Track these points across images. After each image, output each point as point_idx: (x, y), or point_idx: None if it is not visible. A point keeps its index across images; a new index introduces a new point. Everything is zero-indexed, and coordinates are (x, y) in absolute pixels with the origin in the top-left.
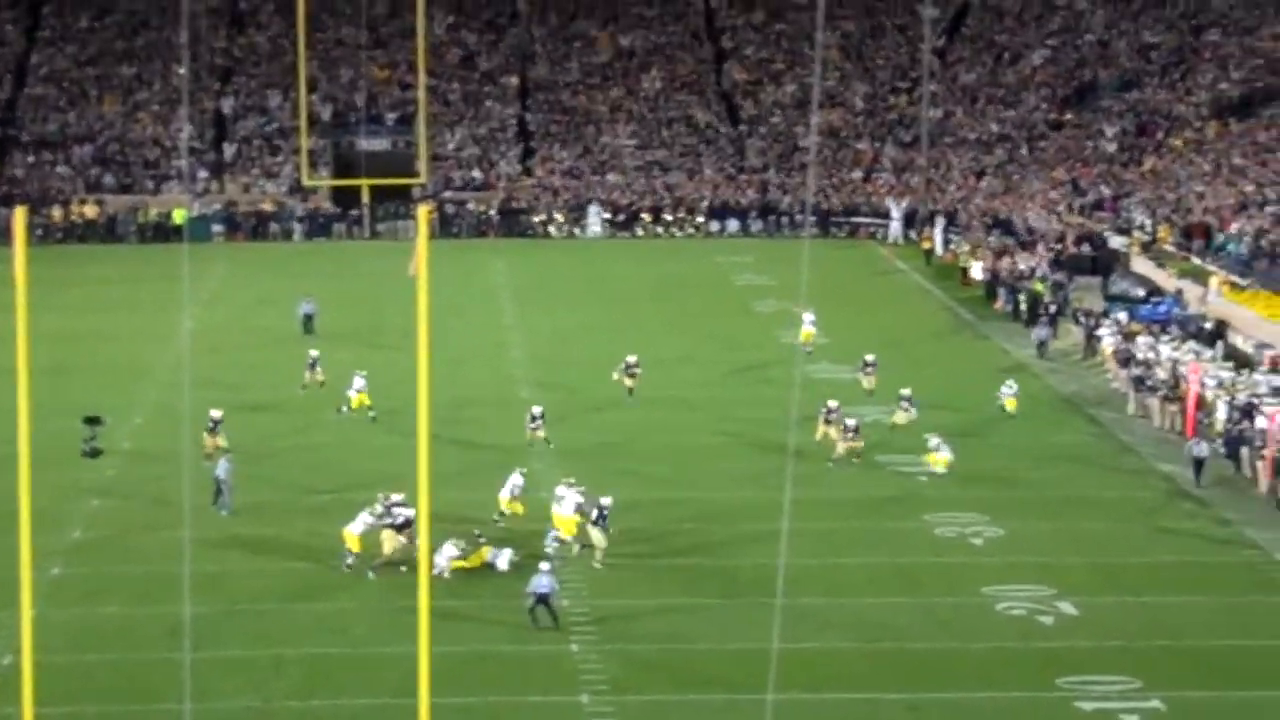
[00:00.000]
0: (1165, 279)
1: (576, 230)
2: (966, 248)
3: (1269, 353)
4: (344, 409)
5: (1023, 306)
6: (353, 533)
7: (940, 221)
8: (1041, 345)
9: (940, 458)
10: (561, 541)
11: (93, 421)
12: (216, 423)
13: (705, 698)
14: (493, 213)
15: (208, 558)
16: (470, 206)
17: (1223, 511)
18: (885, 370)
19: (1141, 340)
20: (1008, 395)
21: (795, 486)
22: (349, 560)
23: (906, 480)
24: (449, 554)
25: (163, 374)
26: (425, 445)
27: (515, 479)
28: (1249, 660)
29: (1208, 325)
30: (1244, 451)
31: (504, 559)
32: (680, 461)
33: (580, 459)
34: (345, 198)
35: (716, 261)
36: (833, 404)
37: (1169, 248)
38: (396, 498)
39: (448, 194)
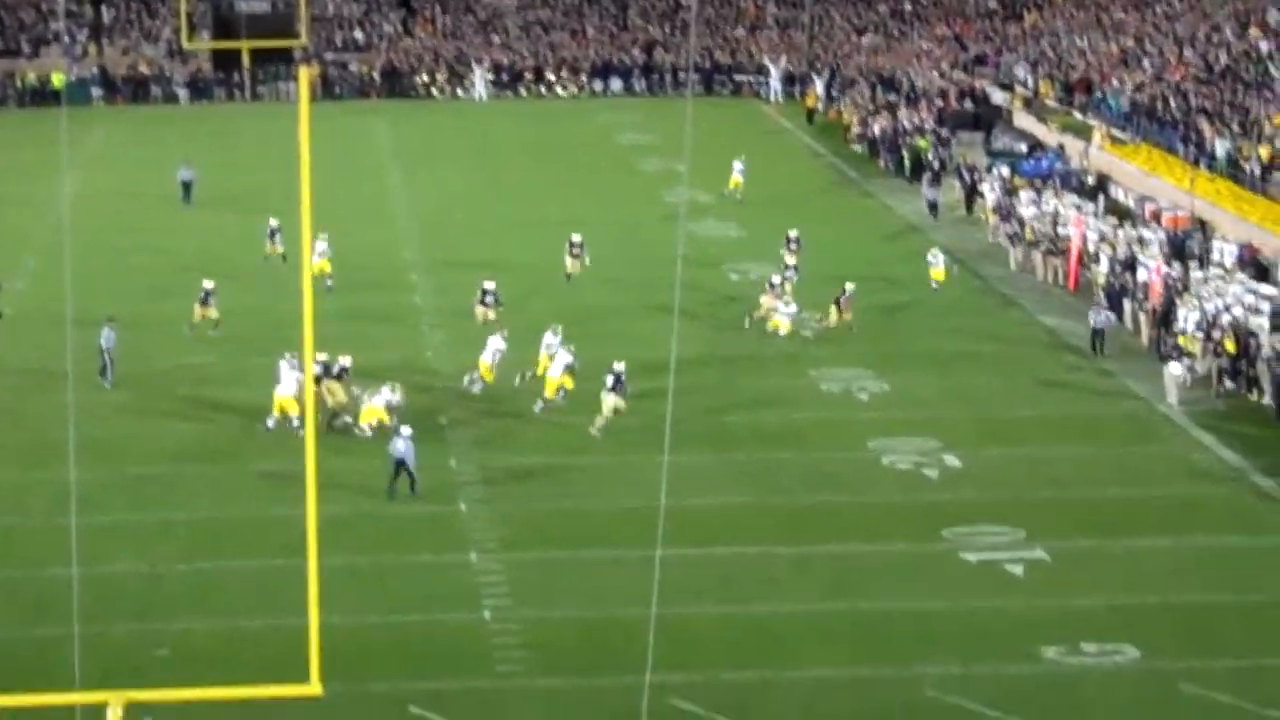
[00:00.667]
0: (1047, 134)
1: (460, 91)
2: (848, 105)
3: (1150, 206)
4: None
5: (906, 163)
6: (286, 394)
7: (821, 79)
8: (933, 207)
9: (780, 320)
10: (545, 401)
11: None
12: (208, 293)
13: (594, 554)
14: (375, 74)
15: (95, 424)
16: (352, 68)
17: (1105, 363)
18: (772, 227)
19: (1024, 195)
20: (934, 266)
21: (683, 344)
22: (270, 423)
23: (793, 337)
24: (386, 397)
25: (43, 239)
26: (310, 310)
27: (497, 343)
28: (1131, 510)
29: (1089, 179)
30: (1126, 304)
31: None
32: (571, 323)
33: (474, 320)
34: (225, 60)
35: (600, 121)
36: (775, 279)
37: (1051, 103)
38: (323, 356)
39: (329, 56)
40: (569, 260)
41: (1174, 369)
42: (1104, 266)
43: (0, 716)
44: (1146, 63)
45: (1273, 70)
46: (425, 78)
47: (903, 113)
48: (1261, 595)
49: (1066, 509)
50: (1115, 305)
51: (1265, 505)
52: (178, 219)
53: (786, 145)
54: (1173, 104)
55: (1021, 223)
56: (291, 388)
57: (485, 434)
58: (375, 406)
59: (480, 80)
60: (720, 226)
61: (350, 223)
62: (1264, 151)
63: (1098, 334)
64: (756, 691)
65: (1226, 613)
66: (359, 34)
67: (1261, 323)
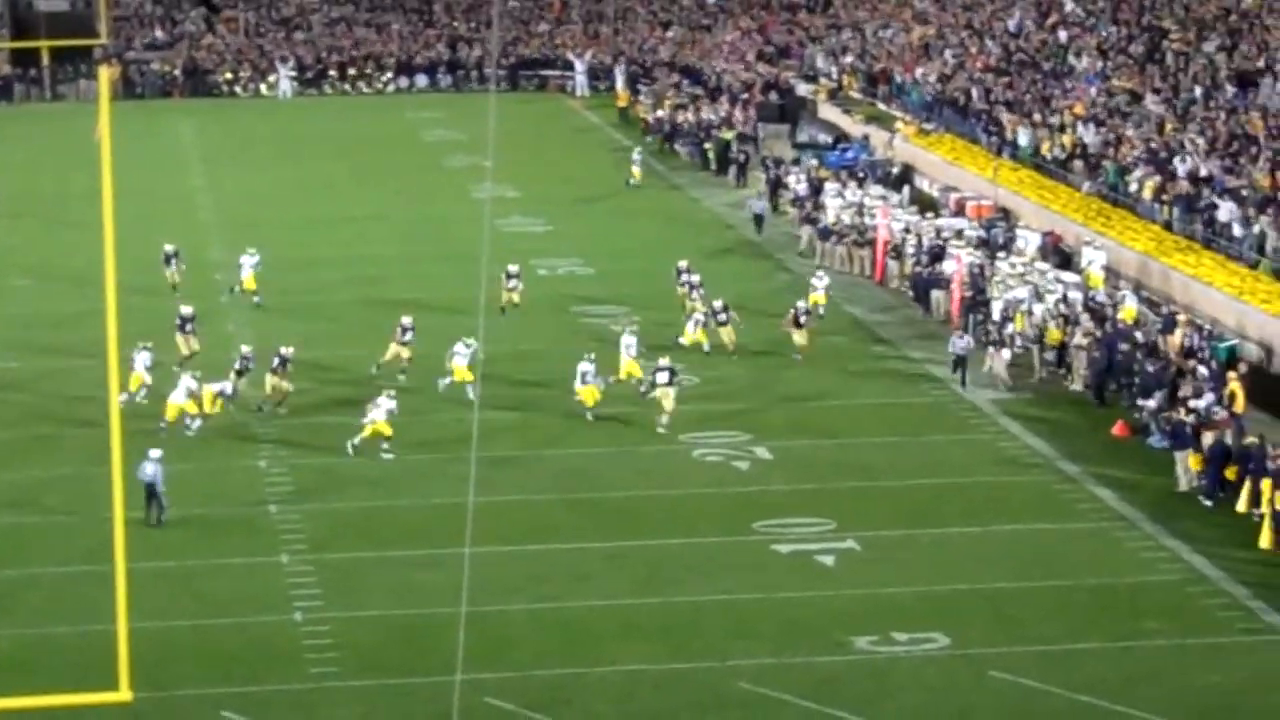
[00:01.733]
0: (852, 125)
1: (264, 89)
2: (645, 98)
3: (954, 195)
4: (235, 289)
5: (711, 156)
6: (174, 401)
7: (623, 72)
8: (759, 219)
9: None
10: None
11: None
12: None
13: (406, 553)
14: (177, 73)
15: None
16: (154, 66)
17: (911, 353)
18: (579, 223)
19: (830, 187)
20: (817, 291)
21: (492, 342)
22: (162, 425)
23: (604, 332)
24: (387, 407)
25: None
26: (113, 310)
27: (459, 347)
28: (940, 498)
29: (894, 170)
30: (934, 294)
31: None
32: (373, 319)
33: (284, 317)
34: (25, 59)
35: (406, 118)
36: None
37: (855, 94)
38: (247, 350)
39: (130, 54)
40: (504, 293)
41: (994, 355)
42: (910, 257)
43: None
44: (948, 53)
45: (1071, 60)
46: (228, 75)
47: (707, 105)
48: (1069, 580)
49: (876, 499)
50: (921, 296)
51: (1072, 491)
52: None
53: (594, 140)
54: (974, 95)
55: (825, 213)
56: (181, 395)
57: (294, 434)
58: (379, 420)
59: (284, 78)
60: (527, 222)
61: (155, 222)
62: (1066, 140)
63: (959, 361)
64: (570, 687)
65: (1034, 598)
66: (160, 32)
67: (1072, 310)
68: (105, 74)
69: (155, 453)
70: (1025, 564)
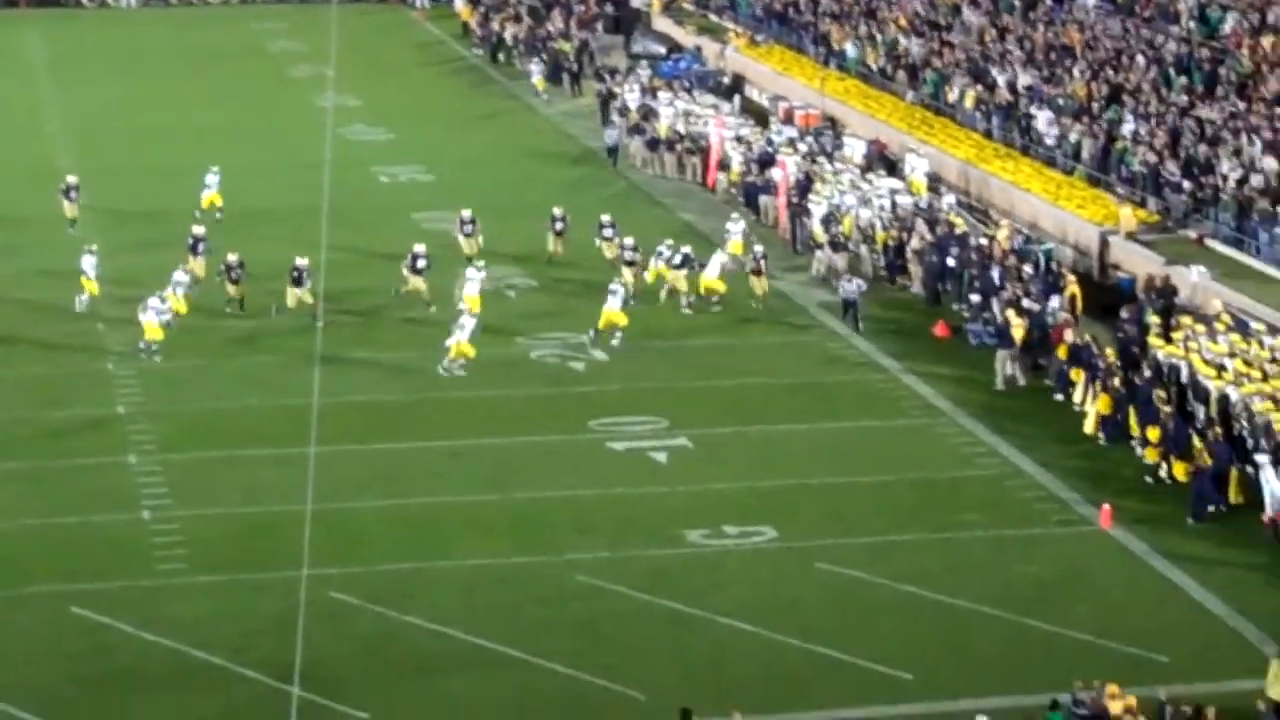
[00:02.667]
0: (685, 36)
1: (115, 2)
2: (465, 7)
3: (783, 105)
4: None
5: (541, 67)
6: (150, 322)
7: None
8: (612, 151)
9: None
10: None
11: None
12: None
13: (252, 452)
14: None
15: None
16: None
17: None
18: (420, 130)
19: (663, 96)
20: (734, 237)
21: (336, 250)
22: (144, 346)
23: (442, 238)
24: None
25: None
26: None
27: (470, 273)
28: (770, 397)
29: (725, 80)
30: (762, 200)
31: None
32: (219, 225)
33: (130, 224)
34: None
35: (251, 29)
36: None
37: (688, 5)
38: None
39: None
40: (462, 240)
41: (821, 257)
42: (737, 164)
43: None
44: None
45: None
46: None
47: (548, 16)
48: (891, 475)
49: (708, 398)
50: (751, 202)
51: (895, 389)
52: None
53: (435, 53)
54: (802, 7)
55: (654, 120)
56: (151, 315)
57: (140, 333)
58: (463, 341)
59: None
60: (370, 131)
61: (3, 132)
62: (888, 52)
63: (849, 304)
64: (414, 582)
65: (859, 493)
66: None
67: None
68: None
69: None
70: (850, 459)
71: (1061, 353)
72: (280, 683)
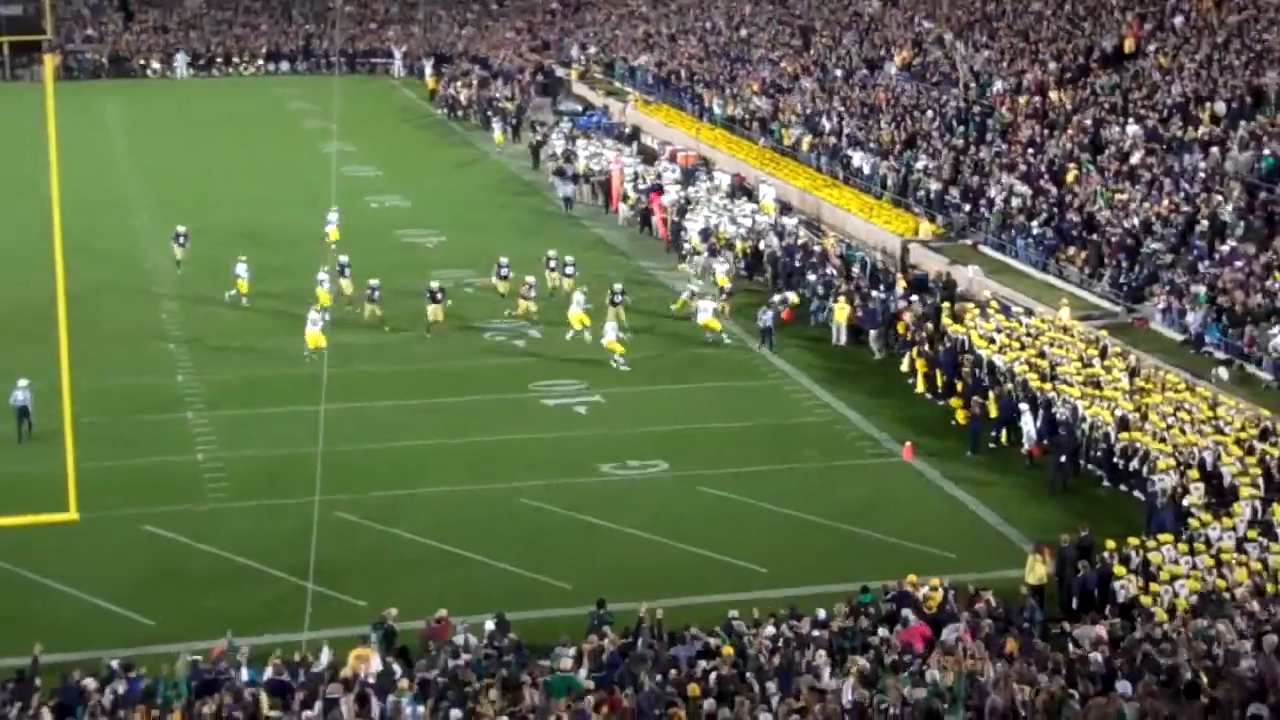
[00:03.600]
0: (596, 98)
1: (168, 73)
2: (432, 78)
3: (669, 148)
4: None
5: (492, 122)
6: (312, 331)
7: (430, 61)
8: (568, 201)
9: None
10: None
11: None
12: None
13: (275, 410)
14: (104, 60)
15: None
16: (88, 55)
17: (640, 261)
18: (402, 169)
19: (580, 143)
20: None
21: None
22: (307, 354)
23: (418, 249)
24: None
25: None
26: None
27: (578, 297)
28: (662, 364)
29: (627, 130)
30: (653, 219)
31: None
32: (252, 245)
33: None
34: None
35: (274, 94)
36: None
37: (598, 75)
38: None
39: (69, 46)
40: (497, 281)
41: (713, 262)
42: (632, 193)
43: None
44: (669, 49)
45: (751, 50)
46: (141, 62)
47: (494, 84)
48: (753, 421)
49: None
50: (645, 221)
51: (755, 359)
52: None
53: (411, 111)
54: (682, 75)
55: (572, 162)
56: (314, 325)
57: (194, 324)
58: (611, 339)
59: (181, 64)
60: (363, 169)
61: (87, 168)
62: (745, 109)
63: (766, 331)
64: (399, 505)
65: (730, 435)
66: (90, 30)
67: (760, 230)
68: (50, 61)
69: (24, 381)
70: (723, 411)
71: (901, 328)
72: (299, 580)
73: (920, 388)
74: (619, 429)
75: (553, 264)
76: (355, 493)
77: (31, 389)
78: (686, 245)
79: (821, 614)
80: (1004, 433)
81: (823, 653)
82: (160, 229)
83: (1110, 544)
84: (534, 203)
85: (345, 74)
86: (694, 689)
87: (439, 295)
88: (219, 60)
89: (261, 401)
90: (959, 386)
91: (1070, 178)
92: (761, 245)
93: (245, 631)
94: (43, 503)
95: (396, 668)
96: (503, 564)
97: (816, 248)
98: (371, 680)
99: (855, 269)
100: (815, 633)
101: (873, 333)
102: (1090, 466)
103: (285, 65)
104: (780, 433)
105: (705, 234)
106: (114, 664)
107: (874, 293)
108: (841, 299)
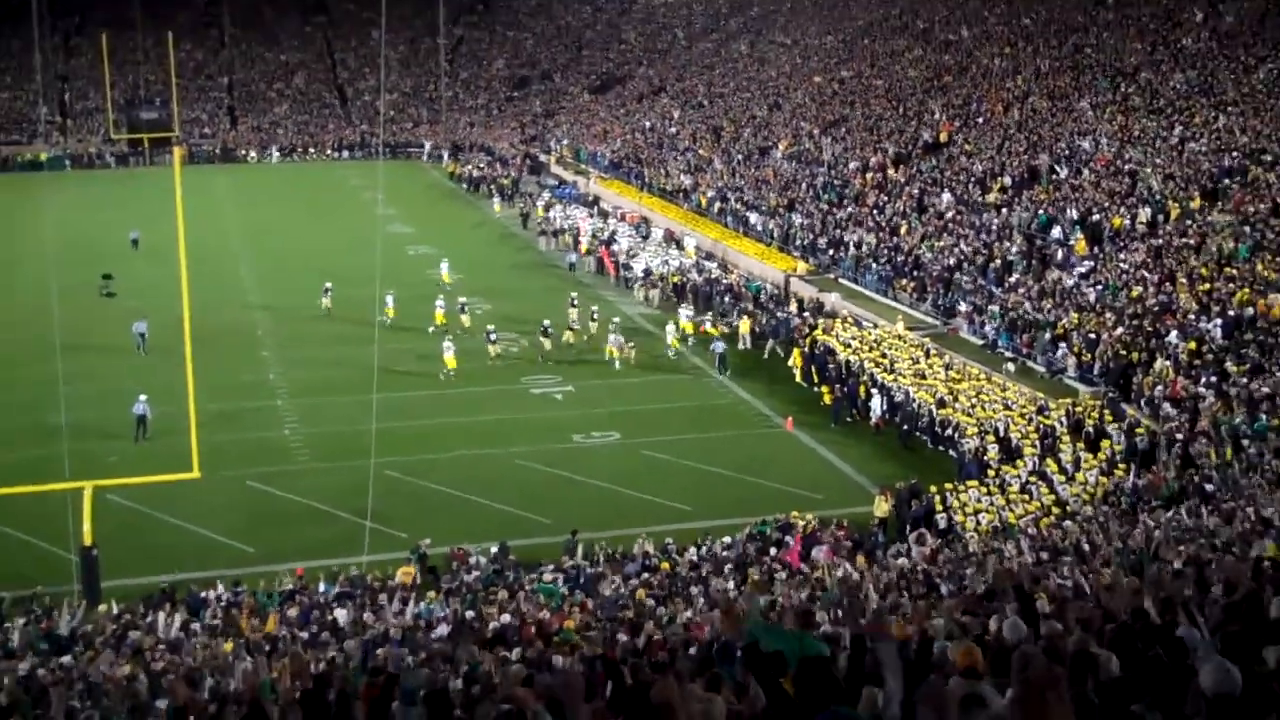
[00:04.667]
0: (568, 175)
1: (263, 159)
2: (451, 162)
3: (621, 209)
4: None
5: (494, 193)
6: (447, 355)
7: (448, 149)
8: (571, 267)
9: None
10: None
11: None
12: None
13: (342, 399)
14: (217, 150)
15: None
16: (205, 147)
17: (599, 292)
18: (433, 229)
19: (557, 208)
20: (672, 335)
21: (373, 288)
22: (443, 374)
23: (419, 259)
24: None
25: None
26: (185, 294)
27: (611, 328)
28: (619, 367)
29: (590, 198)
30: (606, 262)
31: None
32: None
33: (290, 289)
34: (135, 143)
35: (339, 174)
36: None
37: (569, 160)
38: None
39: (191, 140)
40: (543, 339)
41: (647, 288)
42: (586, 243)
43: None
44: (619, 140)
45: (678, 145)
46: (244, 151)
47: (496, 166)
48: (683, 403)
49: (582, 367)
50: (600, 265)
51: (684, 361)
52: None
53: (437, 186)
54: (631, 160)
55: (551, 223)
56: (450, 350)
57: (283, 338)
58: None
59: (274, 151)
60: (404, 229)
61: (203, 233)
62: (685, 182)
63: (721, 356)
64: (430, 465)
65: (665, 414)
66: (208, 130)
67: (684, 269)
68: (178, 151)
69: (143, 396)
70: (659, 396)
71: (801, 342)
72: (359, 519)
73: (799, 379)
74: (586, 409)
75: (575, 301)
76: (398, 456)
77: (150, 403)
78: (631, 279)
79: (728, 539)
80: (854, 411)
81: (729, 567)
82: (263, 279)
83: (933, 488)
84: (524, 252)
85: (391, 159)
86: (640, 594)
87: (493, 338)
88: (299, 149)
89: (332, 389)
90: (823, 377)
91: (903, 230)
92: (687, 278)
93: (320, 556)
94: (174, 468)
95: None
96: (503, 505)
97: (725, 281)
98: (412, 590)
99: (758, 295)
100: (724, 553)
101: (771, 340)
102: (918, 434)
103: (346, 154)
104: (701, 412)
105: (646, 272)
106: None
107: (779, 312)
108: (745, 316)
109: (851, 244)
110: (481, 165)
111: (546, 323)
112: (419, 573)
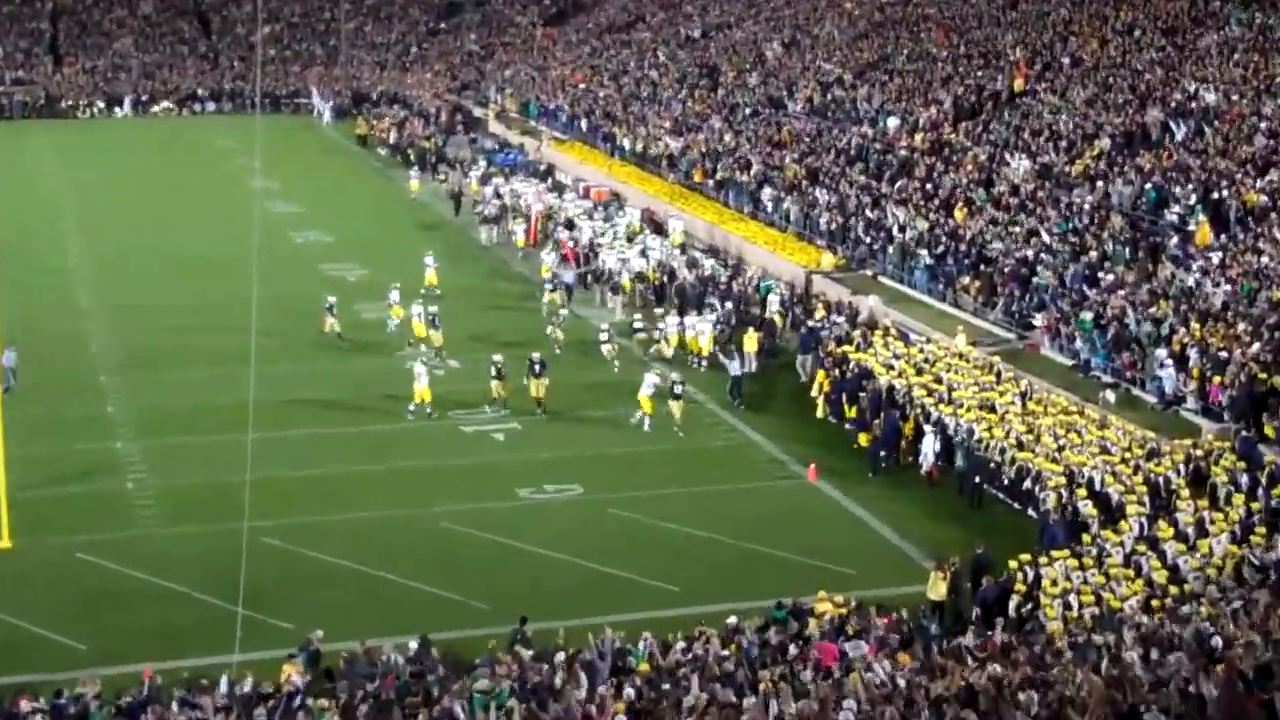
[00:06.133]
0: (513, 136)
1: (109, 114)
2: (363, 121)
3: (582, 184)
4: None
5: (413, 157)
6: (420, 387)
7: (347, 101)
8: (569, 288)
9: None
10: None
11: None
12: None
13: (204, 439)
14: (39, 100)
15: None
16: (18, 96)
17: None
18: (325, 205)
19: (498, 180)
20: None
21: (264, 287)
22: (411, 409)
23: (340, 281)
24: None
25: None
26: None
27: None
28: (581, 392)
29: (542, 167)
30: (568, 254)
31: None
32: (186, 275)
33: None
34: None
35: (201, 132)
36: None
37: (514, 115)
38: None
39: (0, 88)
40: (532, 382)
41: (611, 297)
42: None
43: None
44: (581, 88)
45: (660, 94)
46: (72, 103)
47: (414, 122)
48: (665, 446)
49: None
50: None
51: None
52: None
53: (335, 150)
54: (596, 115)
55: (495, 200)
56: (423, 381)
57: (126, 356)
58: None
59: (127, 105)
60: (287, 205)
61: (16, 214)
62: (660, 146)
63: (736, 382)
64: (324, 530)
65: (639, 460)
66: (21, 72)
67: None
68: None
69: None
70: (634, 435)
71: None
72: (228, 604)
73: (822, 411)
74: (535, 453)
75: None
76: (281, 519)
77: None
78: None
79: (730, 627)
80: (898, 455)
81: (741, 671)
82: (90, 251)
83: (1012, 563)
84: (448, 236)
85: (272, 113)
86: (618, 706)
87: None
88: (145, 99)
89: (189, 429)
90: (856, 410)
91: (963, 212)
92: (669, 280)
93: (175, 654)
94: None
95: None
96: (424, 585)
97: (729, 281)
98: (296, 700)
99: (773, 300)
100: (724, 651)
101: (800, 358)
102: (986, 486)
103: (212, 105)
104: (687, 457)
105: (613, 271)
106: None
107: (809, 321)
108: (750, 329)
109: (895, 229)
110: (396, 122)
111: (498, 359)
112: (307, 675)
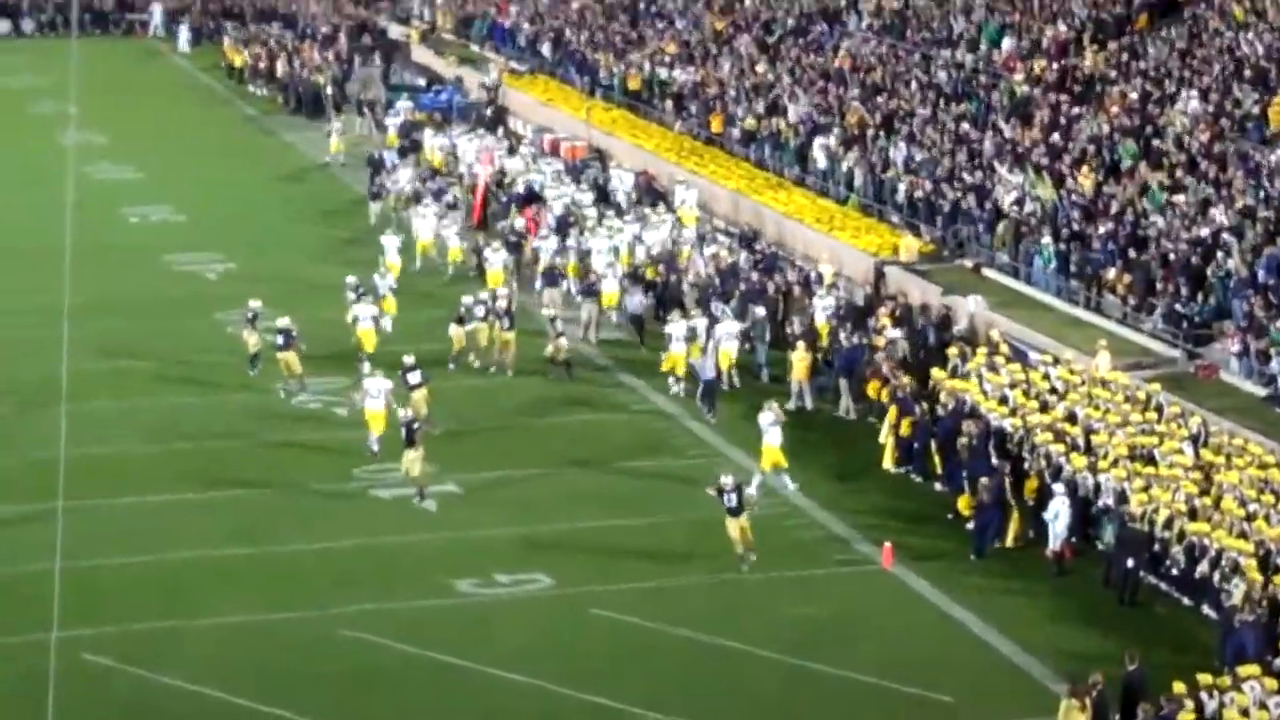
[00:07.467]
0: (445, 67)
1: None
2: (228, 42)
3: (548, 137)
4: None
5: (301, 99)
6: (375, 411)
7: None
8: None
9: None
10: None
11: None
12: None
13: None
14: None
15: None
16: None
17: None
18: (172, 168)
19: (428, 131)
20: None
21: (80, 292)
22: (371, 446)
23: (198, 280)
24: None
25: None
26: None
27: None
28: (536, 438)
29: (488, 112)
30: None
31: None
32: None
33: None
34: None
35: None
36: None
37: (448, 35)
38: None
39: None
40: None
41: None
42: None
43: None
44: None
45: (663, 3)
46: None
47: (302, 50)
48: (664, 516)
49: (470, 441)
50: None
51: (666, 428)
52: None
53: (188, 84)
54: (570, 35)
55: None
56: (380, 403)
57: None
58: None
59: None
60: (116, 169)
61: None
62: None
63: (708, 386)
64: (168, 640)
65: (633, 535)
66: None
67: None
68: None
69: None
70: (623, 501)
71: (873, 388)
72: None
73: (890, 462)
74: (481, 529)
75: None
76: (108, 625)
77: None
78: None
79: None
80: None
81: None
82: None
83: (1179, 685)
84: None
85: (95, 35)
86: None
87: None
88: None
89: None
90: (951, 464)
91: (1104, 175)
92: (675, 276)
93: None
94: None
95: None
96: None
97: (755, 273)
98: None
99: (821, 303)
100: None
101: (842, 383)
102: (1143, 573)
103: (4, 25)
104: (704, 528)
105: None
106: None
107: (841, 333)
108: (801, 344)
109: (1006, 202)
110: (270, 47)
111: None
112: None
